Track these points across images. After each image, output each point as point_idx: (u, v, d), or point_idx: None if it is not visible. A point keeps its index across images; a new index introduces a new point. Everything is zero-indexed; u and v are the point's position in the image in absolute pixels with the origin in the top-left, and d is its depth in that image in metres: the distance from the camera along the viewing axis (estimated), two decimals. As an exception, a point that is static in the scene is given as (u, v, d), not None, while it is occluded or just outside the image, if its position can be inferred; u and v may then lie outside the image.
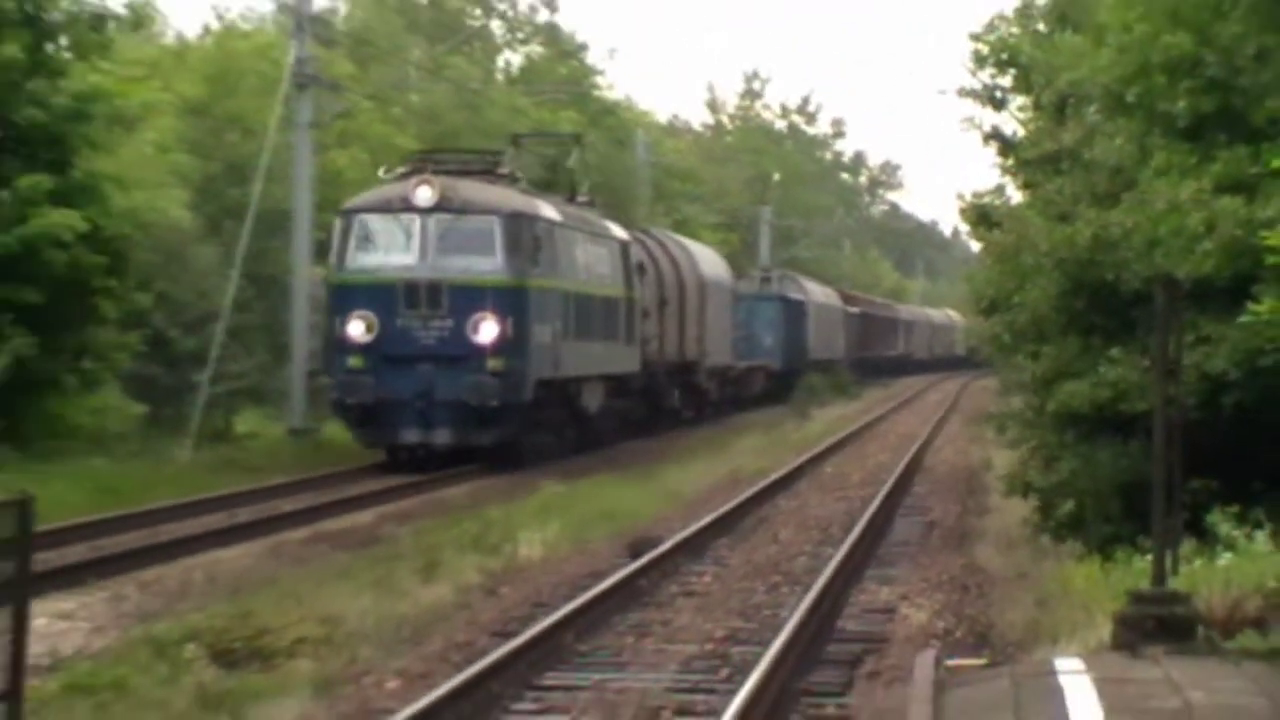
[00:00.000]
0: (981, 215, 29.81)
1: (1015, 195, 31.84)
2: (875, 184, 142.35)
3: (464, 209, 27.37)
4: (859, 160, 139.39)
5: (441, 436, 28.96)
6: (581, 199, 37.95)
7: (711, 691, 14.06)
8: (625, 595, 19.39)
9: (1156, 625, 13.65)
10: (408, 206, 27.64)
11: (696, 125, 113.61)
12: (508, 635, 16.15)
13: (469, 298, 26.73)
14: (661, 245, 44.83)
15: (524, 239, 27.78)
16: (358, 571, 21.27)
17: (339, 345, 27.93)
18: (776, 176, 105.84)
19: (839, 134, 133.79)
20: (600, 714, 13.70)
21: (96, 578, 19.63)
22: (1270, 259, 15.26)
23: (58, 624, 16.68)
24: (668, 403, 44.14)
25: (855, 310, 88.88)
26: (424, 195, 26.78)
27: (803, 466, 36.78)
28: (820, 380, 70.03)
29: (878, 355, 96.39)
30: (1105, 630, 14.21)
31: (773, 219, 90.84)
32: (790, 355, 67.20)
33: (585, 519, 26.24)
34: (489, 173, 31.01)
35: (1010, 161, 31.66)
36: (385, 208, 28.52)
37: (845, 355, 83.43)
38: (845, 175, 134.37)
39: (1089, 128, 24.25)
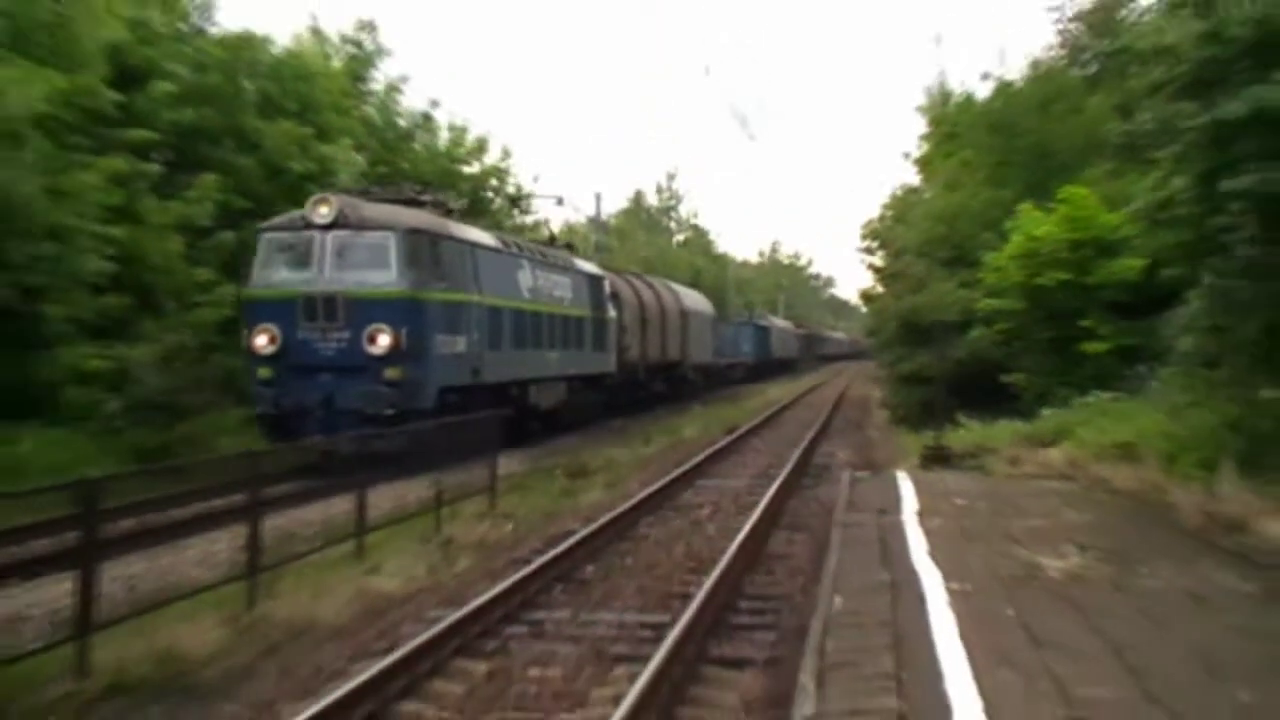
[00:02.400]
0: (866, 296, 57.84)
1: (879, 287, 52.24)
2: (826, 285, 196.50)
3: (361, 225, 26.46)
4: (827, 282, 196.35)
5: (345, 443, 28.24)
6: (560, 245, 43.75)
7: (764, 487, 22.77)
8: (726, 449, 31.93)
9: (934, 457, 26.07)
10: (308, 224, 26.67)
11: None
12: (682, 464, 27.06)
13: (364, 310, 25.62)
14: (650, 286, 55.40)
15: (423, 254, 26.75)
16: (617, 441, 35.18)
17: (249, 357, 26.55)
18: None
19: (810, 263, 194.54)
20: (717, 495, 23.07)
21: (522, 449, 30.44)
22: (980, 310, 31.20)
23: (506, 467, 24.25)
24: (653, 389, 53.47)
25: (803, 332, 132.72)
26: (322, 213, 26.14)
27: (792, 403, 57.76)
28: (779, 367, 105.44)
29: (815, 353, 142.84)
30: (915, 460, 26.05)
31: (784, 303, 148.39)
32: (760, 355, 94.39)
33: (709, 425, 42.29)
34: (411, 200, 30.33)
35: (880, 275, 53.02)
36: (289, 226, 27.45)
37: (798, 354, 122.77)
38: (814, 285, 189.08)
39: (907, 263, 41.31)
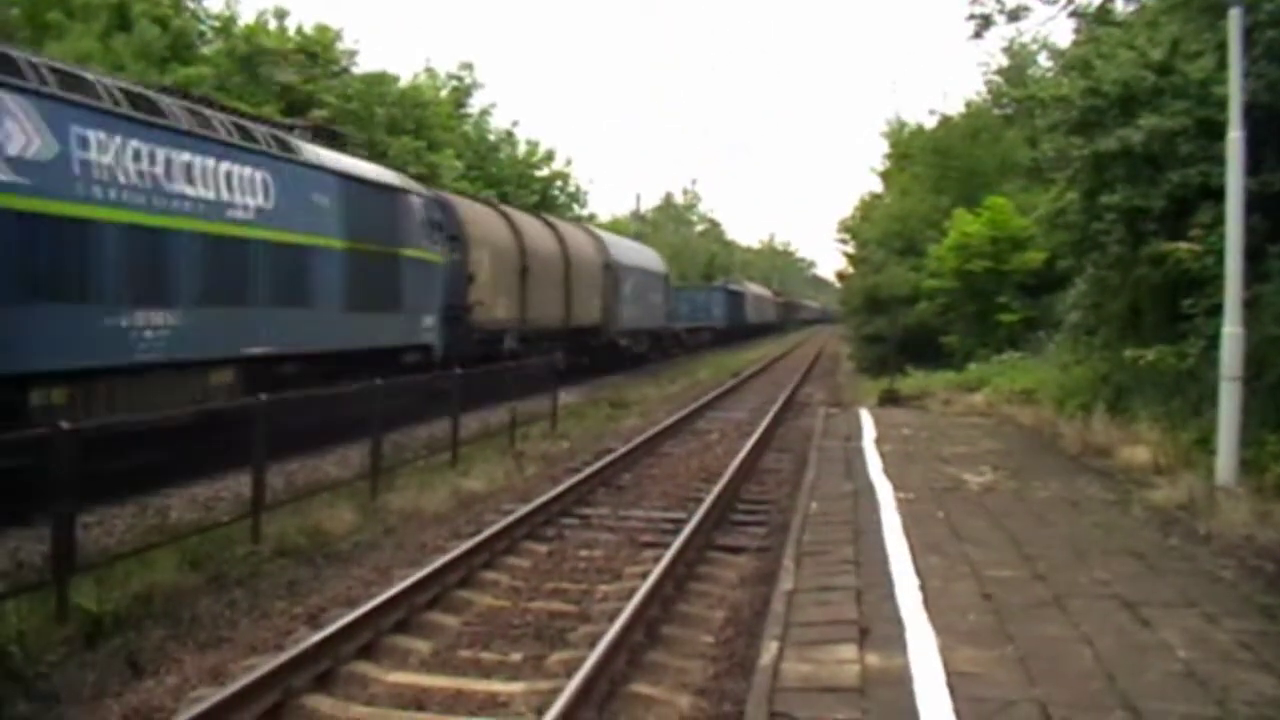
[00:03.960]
0: (840, 275, 55.35)
1: (850, 269, 51.90)
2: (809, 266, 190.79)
3: None
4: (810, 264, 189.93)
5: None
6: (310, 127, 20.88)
7: (760, 418, 22.96)
8: (728, 390, 32.19)
9: (888, 398, 26.54)
10: None
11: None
12: (699, 399, 27.99)
13: None
14: (550, 226, 34.56)
15: None
16: (649, 382, 35.01)
17: None
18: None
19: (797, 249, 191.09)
20: (722, 424, 23.06)
21: (578, 384, 30.86)
22: (924, 289, 32.36)
23: (565, 398, 24.74)
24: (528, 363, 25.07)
25: (782, 299, 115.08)
26: None
27: (780, 357, 56.56)
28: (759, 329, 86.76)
29: (793, 319, 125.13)
30: (874, 400, 26.92)
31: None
32: (733, 320, 71.19)
33: (721, 371, 40.28)
34: None
35: (850, 259, 52.66)
36: None
37: (777, 320, 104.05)
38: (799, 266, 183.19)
39: (870, 251, 41.82)
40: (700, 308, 64.83)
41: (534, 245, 30.82)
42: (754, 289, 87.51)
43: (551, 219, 36.44)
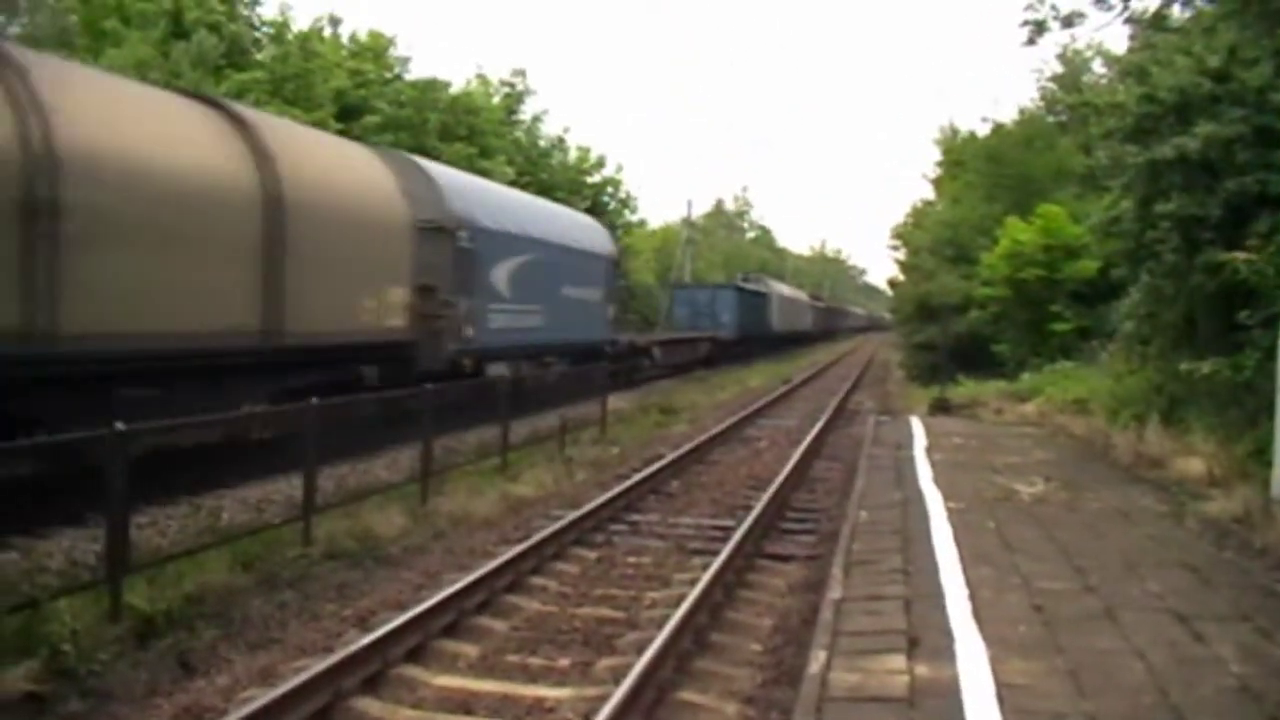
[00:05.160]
0: (892, 283, 54.26)
1: (901, 276, 51.44)
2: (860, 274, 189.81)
3: None
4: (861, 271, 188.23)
5: None
6: None
7: (810, 426, 22.98)
8: (780, 396, 32.11)
9: (939, 406, 26.47)
10: None
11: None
12: (748, 407, 27.71)
13: None
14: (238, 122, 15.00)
15: None
16: (698, 390, 34.37)
17: None
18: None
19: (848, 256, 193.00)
20: (771, 432, 23.03)
21: (627, 389, 30.80)
22: (976, 296, 32.32)
23: (616, 404, 24.56)
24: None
25: (821, 305, 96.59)
26: None
27: (830, 363, 57.83)
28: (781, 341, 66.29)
29: (835, 327, 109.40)
30: (925, 408, 26.91)
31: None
32: (749, 329, 53.29)
33: (770, 379, 38.11)
34: None
35: (902, 267, 51.93)
36: None
37: (813, 328, 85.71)
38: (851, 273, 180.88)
39: (922, 259, 41.54)
40: (702, 312, 50.46)
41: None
42: (782, 289, 70.99)
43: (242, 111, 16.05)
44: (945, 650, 6.88)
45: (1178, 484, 13.82)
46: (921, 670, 6.52)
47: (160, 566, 9.35)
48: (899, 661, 6.68)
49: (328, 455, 12.73)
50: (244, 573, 9.88)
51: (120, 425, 8.67)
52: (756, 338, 56.52)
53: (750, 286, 58.52)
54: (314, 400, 11.89)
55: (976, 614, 7.68)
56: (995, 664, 6.59)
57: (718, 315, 50.62)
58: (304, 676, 6.80)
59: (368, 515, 12.29)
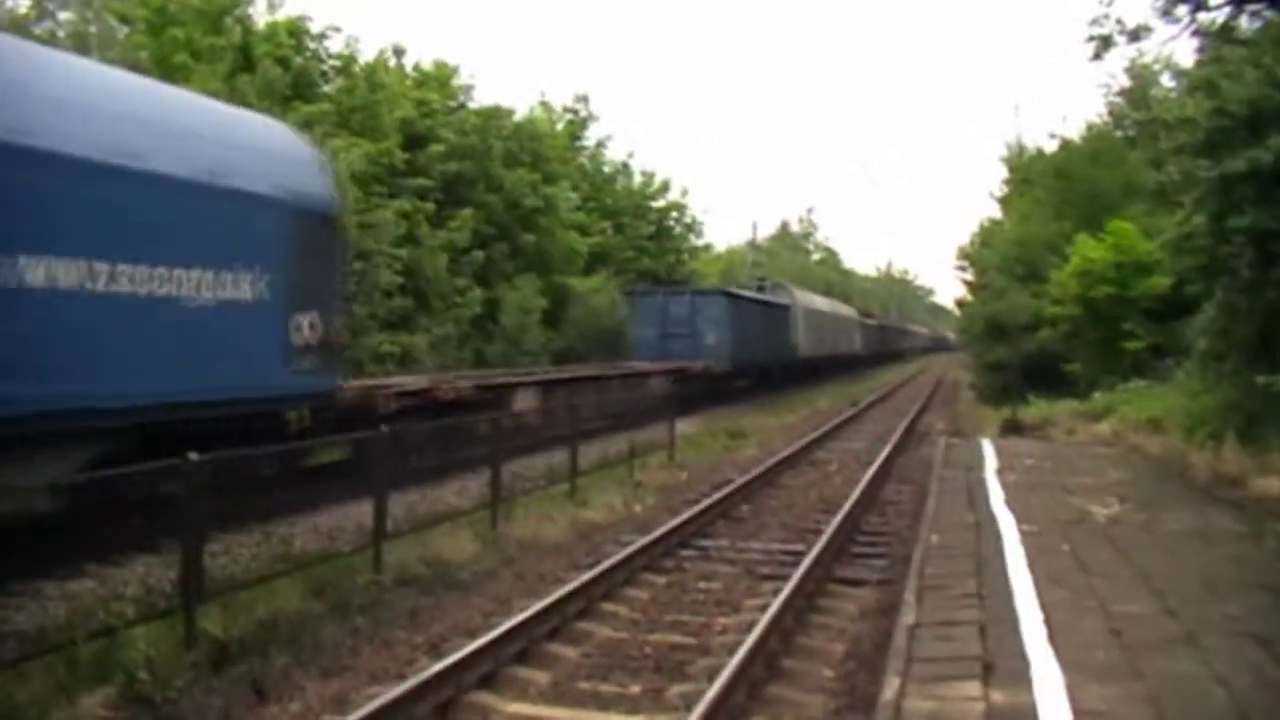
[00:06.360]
0: (960, 303, 52.95)
1: (969, 296, 51.09)
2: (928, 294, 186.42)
3: None
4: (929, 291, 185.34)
5: None
6: None
7: (880, 448, 22.64)
8: (850, 418, 32.10)
9: (1010, 427, 26.36)
10: None
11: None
12: (817, 429, 27.67)
13: None
14: None
15: None
16: (766, 413, 34.27)
17: None
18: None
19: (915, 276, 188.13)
20: (841, 454, 22.91)
21: (694, 414, 29.15)
22: (1046, 315, 31.83)
23: (682, 429, 24.02)
24: None
25: (874, 323, 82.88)
26: None
27: (900, 384, 55.75)
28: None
29: (893, 349, 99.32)
30: (996, 429, 26.82)
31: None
32: (757, 355, 40.26)
33: (839, 397, 36.00)
34: None
35: (970, 286, 51.49)
36: None
37: (863, 350, 71.09)
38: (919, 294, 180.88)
39: (991, 278, 41.11)
40: (676, 332, 36.13)
41: None
42: (813, 300, 55.92)
43: None
44: (1021, 676, 6.78)
45: (1257, 503, 13.57)
46: (997, 697, 6.43)
47: (234, 593, 9.44)
48: (974, 688, 6.60)
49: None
50: (316, 599, 9.95)
51: (194, 455, 8.79)
52: (766, 367, 42.64)
53: (749, 295, 43.34)
54: (383, 429, 11.95)
55: (1052, 639, 7.57)
56: (1072, 690, 6.48)
57: (699, 335, 36.20)
58: (377, 703, 6.82)
59: (438, 541, 12.34)
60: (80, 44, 34.00)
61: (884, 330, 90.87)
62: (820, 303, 58.42)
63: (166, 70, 29.01)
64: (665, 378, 30.51)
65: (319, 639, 9.05)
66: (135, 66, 31.10)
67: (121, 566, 10.70)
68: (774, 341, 43.97)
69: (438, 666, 7.57)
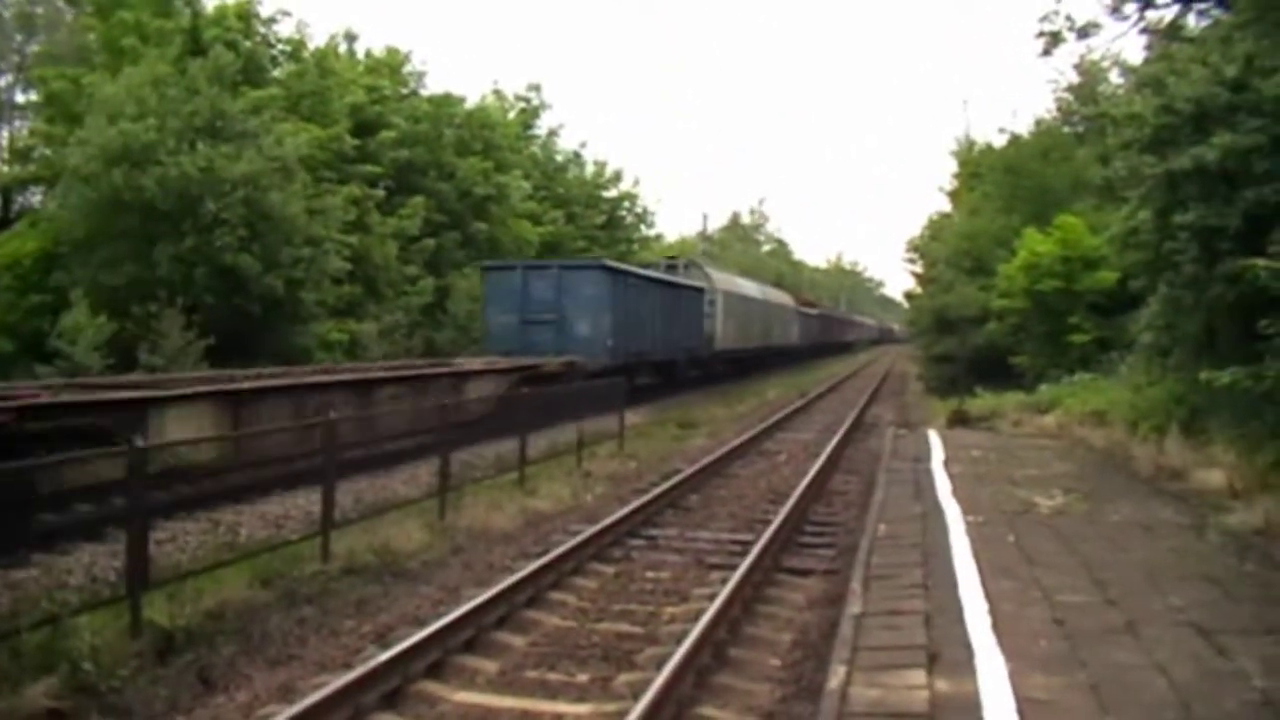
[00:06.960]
0: (909, 295, 52.89)
1: (918, 288, 51.07)
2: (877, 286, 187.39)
3: None
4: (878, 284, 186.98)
5: None
6: None
7: (828, 439, 22.99)
8: (798, 409, 32.04)
9: (957, 419, 26.65)
10: None
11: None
12: (766, 420, 28.15)
13: None
14: None
15: None
16: (717, 403, 34.44)
17: None
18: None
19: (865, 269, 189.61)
20: (790, 445, 23.22)
21: (645, 404, 29.64)
22: (993, 308, 31.90)
23: (632, 419, 24.52)
24: None
25: (815, 311, 74.87)
26: None
27: (848, 376, 54.85)
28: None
29: (835, 340, 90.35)
30: (943, 421, 27.11)
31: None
32: (640, 346, 31.54)
33: (786, 390, 36.35)
34: None
35: (919, 279, 51.46)
36: None
37: (800, 341, 63.84)
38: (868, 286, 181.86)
39: (940, 271, 41.46)
40: (539, 319, 28.65)
41: None
42: (736, 284, 48.12)
43: None
44: (965, 665, 6.84)
45: (1198, 496, 13.73)
46: (942, 685, 6.48)
47: (180, 582, 9.36)
48: (919, 677, 6.64)
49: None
50: (263, 588, 9.90)
51: (140, 441, 8.71)
52: (668, 364, 35.81)
53: (642, 272, 35.53)
54: (332, 415, 11.90)
55: (997, 628, 7.63)
56: (1016, 679, 6.54)
57: (567, 322, 28.74)
58: (324, 693, 6.79)
59: (386, 529, 12.29)
60: (26, 25, 33.64)
61: (826, 321, 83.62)
62: (748, 287, 50.85)
63: (115, 53, 28.73)
64: (501, 379, 22.97)
65: (266, 628, 9.00)
66: (82, 48, 30.96)
67: (66, 555, 10.59)
68: (681, 332, 36.84)
69: (385, 656, 7.55)
